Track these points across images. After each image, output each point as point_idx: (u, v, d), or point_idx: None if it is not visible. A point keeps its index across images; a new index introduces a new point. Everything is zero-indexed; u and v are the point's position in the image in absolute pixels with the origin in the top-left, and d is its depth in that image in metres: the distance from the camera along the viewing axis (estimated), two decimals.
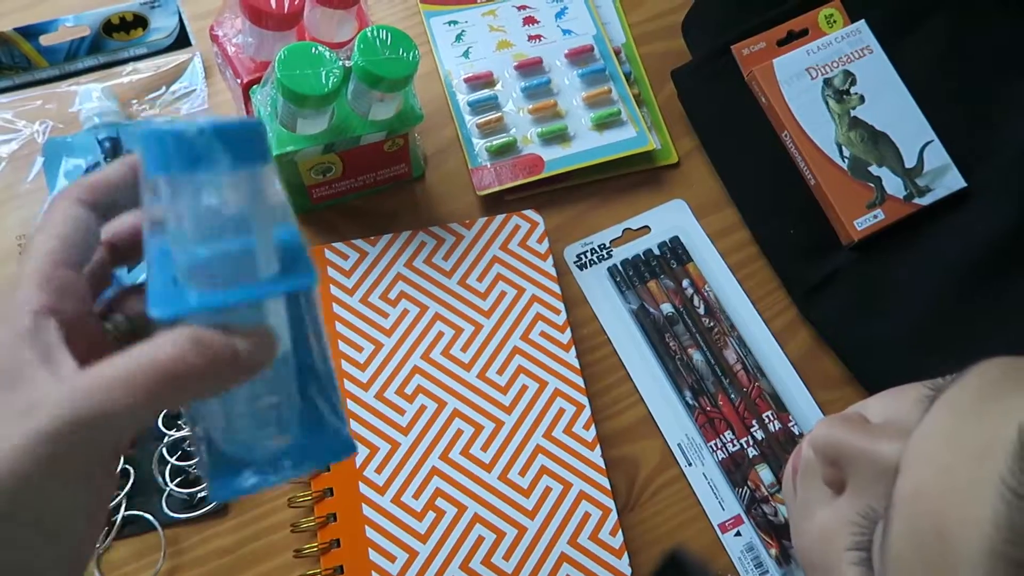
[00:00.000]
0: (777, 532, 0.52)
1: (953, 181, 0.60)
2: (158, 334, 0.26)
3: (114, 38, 0.61)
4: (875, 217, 0.59)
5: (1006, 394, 0.26)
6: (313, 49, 0.49)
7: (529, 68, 0.64)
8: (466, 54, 0.65)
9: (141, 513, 0.50)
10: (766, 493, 0.52)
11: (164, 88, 0.62)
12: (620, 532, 0.51)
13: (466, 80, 0.63)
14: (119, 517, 0.50)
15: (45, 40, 0.60)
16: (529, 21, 0.66)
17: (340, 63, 0.49)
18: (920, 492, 0.26)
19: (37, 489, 0.25)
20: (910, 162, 0.60)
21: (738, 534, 0.52)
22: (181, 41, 0.63)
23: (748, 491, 0.53)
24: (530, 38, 0.66)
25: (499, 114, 0.62)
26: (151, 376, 0.25)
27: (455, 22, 0.66)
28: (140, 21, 0.61)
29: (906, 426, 0.29)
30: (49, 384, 0.25)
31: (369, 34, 0.49)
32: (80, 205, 0.29)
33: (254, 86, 0.53)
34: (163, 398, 0.26)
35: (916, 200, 0.59)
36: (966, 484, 0.25)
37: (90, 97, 0.60)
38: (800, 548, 0.38)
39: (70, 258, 0.28)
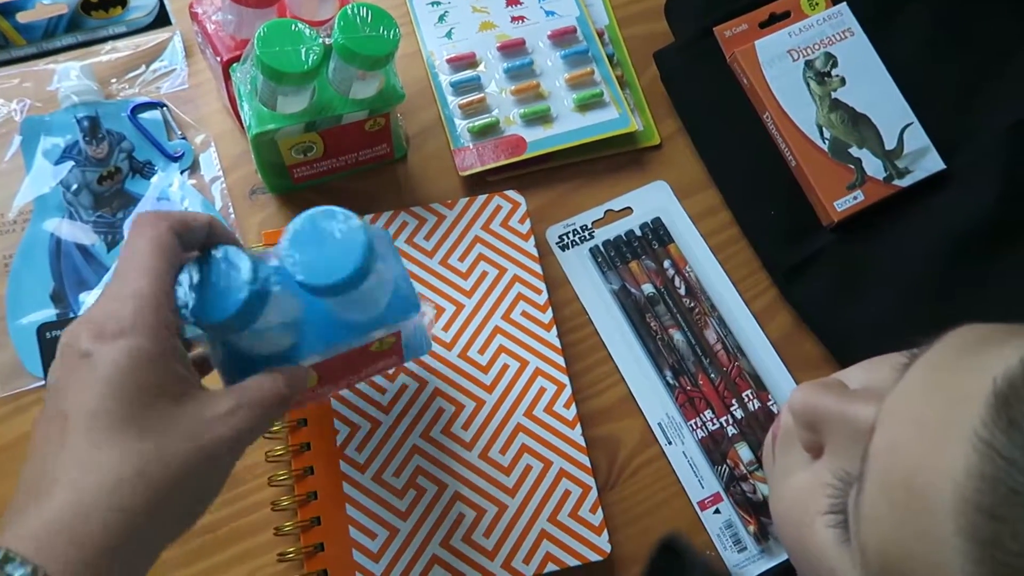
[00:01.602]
0: (756, 509, 0.52)
1: (932, 163, 0.60)
2: (259, 377, 0.36)
3: (93, 16, 0.61)
4: (855, 198, 0.59)
5: (981, 352, 0.26)
6: (293, 26, 0.48)
7: (512, 49, 0.64)
8: (449, 35, 0.65)
9: None
10: (745, 471, 0.53)
11: (144, 67, 0.62)
12: (600, 510, 0.51)
13: (449, 61, 0.63)
14: None
15: (22, 17, 0.59)
16: (512, 2, 0.66)
17: (320, 40, 0.49)
18: (894, 447, 0.27)
19: (224, 469, 0.35)
20: (890, 144, 0.61)
21: (717, 511, 0.53)
22: (161, 19, 0.62)
23: (727, 469, 0.53)
24: (513, 19, 0.65)
25: (482, 95, 0.62)
26: (273, 402, 0.36)
27: (438, 3, 0.66)
28: None
29: (883, 390, 0.29)
30: (224, 397, 0.34)
31: (350, 11, 0.49)
32: (174, 234, 0.34)
33: (234, 64, 0.53)
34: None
35: (896, 182, 0.60)
36: (939, 437, 0.25)
37: (68, 75, 0.59)
38: (776, 513, 0.38)
39: (173, 280, 0.34)
